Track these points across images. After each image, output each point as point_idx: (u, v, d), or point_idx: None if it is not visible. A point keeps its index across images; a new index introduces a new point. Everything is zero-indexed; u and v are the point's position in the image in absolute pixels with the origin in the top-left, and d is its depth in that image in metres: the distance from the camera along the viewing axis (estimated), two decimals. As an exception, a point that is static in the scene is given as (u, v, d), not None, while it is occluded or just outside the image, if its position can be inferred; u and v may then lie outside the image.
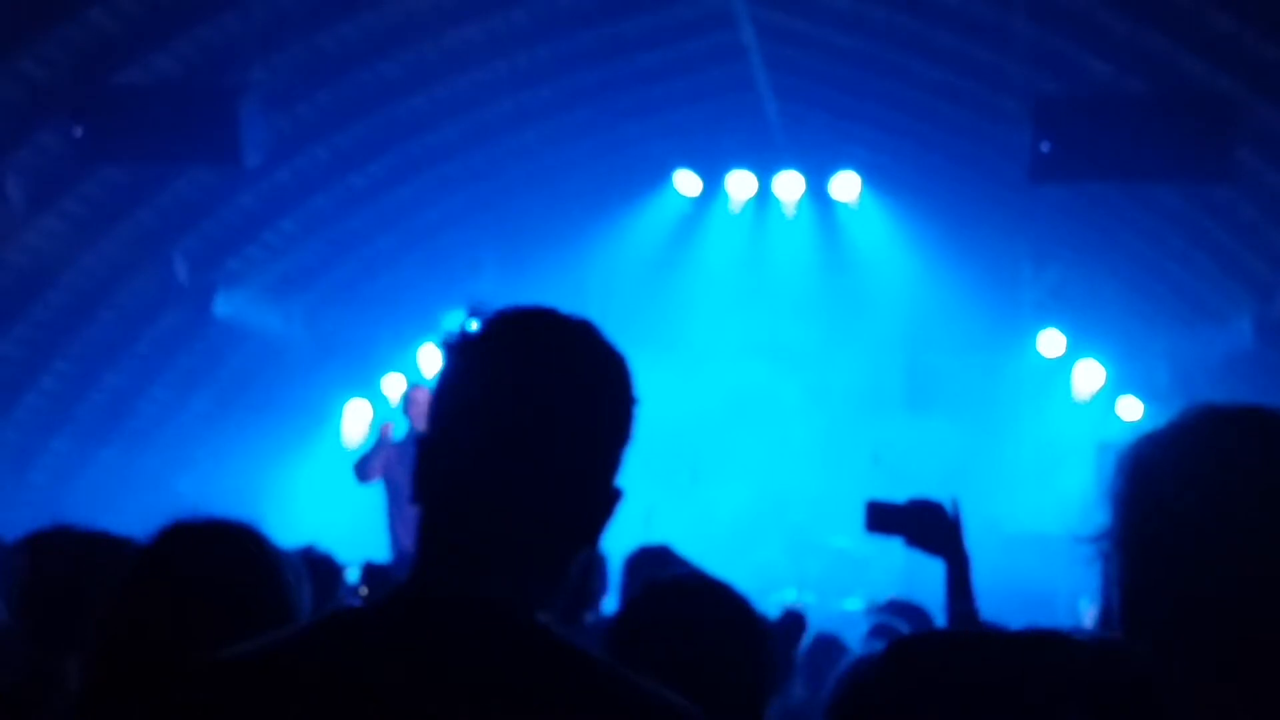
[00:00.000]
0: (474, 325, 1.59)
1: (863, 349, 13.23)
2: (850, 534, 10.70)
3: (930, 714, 1.38)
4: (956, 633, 2.33)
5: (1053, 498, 11.95)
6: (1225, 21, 8.57)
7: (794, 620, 4.31)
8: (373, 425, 13.19)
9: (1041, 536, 10.72)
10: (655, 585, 2.43)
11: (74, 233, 10.44)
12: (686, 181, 13.06)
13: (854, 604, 10.98)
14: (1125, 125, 8.80)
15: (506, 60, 10.92)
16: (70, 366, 11.43)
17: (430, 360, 13.43)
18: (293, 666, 1.41)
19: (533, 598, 1.46)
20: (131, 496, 10.27)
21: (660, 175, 13.06)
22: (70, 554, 2.60)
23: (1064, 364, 12.88)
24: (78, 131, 9.17)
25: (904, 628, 5.17)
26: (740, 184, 13.09)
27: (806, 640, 5.78)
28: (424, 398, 9.14)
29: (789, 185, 13.02)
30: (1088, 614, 8.33)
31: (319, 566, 3.61)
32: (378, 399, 13.68)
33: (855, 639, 6.37)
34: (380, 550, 8.39)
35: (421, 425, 8.93)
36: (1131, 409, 12.74)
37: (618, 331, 1.64)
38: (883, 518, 3.72)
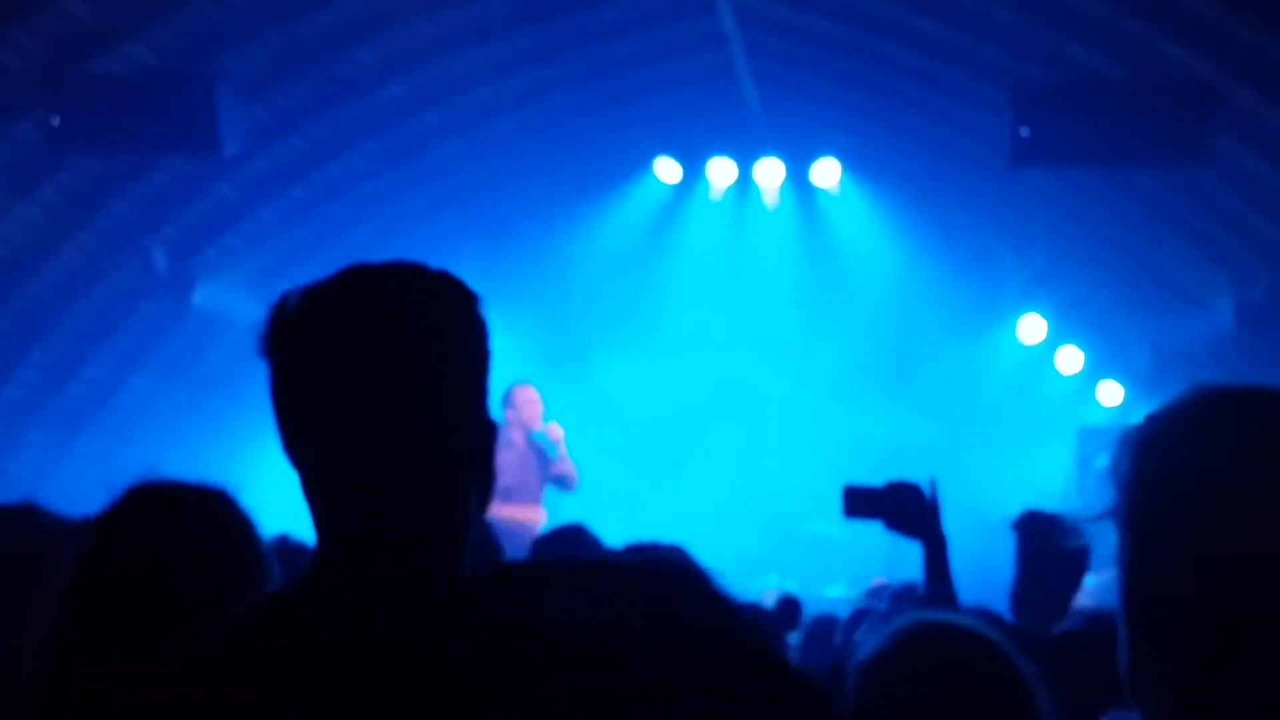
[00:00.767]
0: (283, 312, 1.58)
1: (845, 335, 13.24)
2: (832, 521, 10.70)
3: None
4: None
5: (1034, 482, 11.99)
6: (1205, 7, 8.58)
7: (790, 607, 4.32)
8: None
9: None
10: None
11: (51, 223, 10.38)
12: (667, 169, 13.04)
13: (836, 590, 11.01)
14: (1104, 110, 8.83)
15: (486, 49, 10.87)
16: (48, 358, 11.37)
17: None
18: (237, 665, 1.38)
19: (445, 551, 1.44)
20: (110, 488, 10.22)
21: (641, 163, 13.04)
22: (22, 532, 2.57)
23: (1045, 349, 12.92)
24: (54, 121, 9.12)
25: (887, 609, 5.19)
26: (721, 171, 13.08)
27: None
28: (530, 397, 9.04)
29: (770, 172, 13.02)
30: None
31: (292, 557, 3.59)
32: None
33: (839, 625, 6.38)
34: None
35: (529, 423, 8.92)
36: (1112, 393, 12.79)
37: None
38: (860, 502, 3.72)
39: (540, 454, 8.96)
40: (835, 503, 3.71)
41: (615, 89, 12.27)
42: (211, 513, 2.14)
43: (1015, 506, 5.16)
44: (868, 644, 2.22)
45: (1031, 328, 12.82)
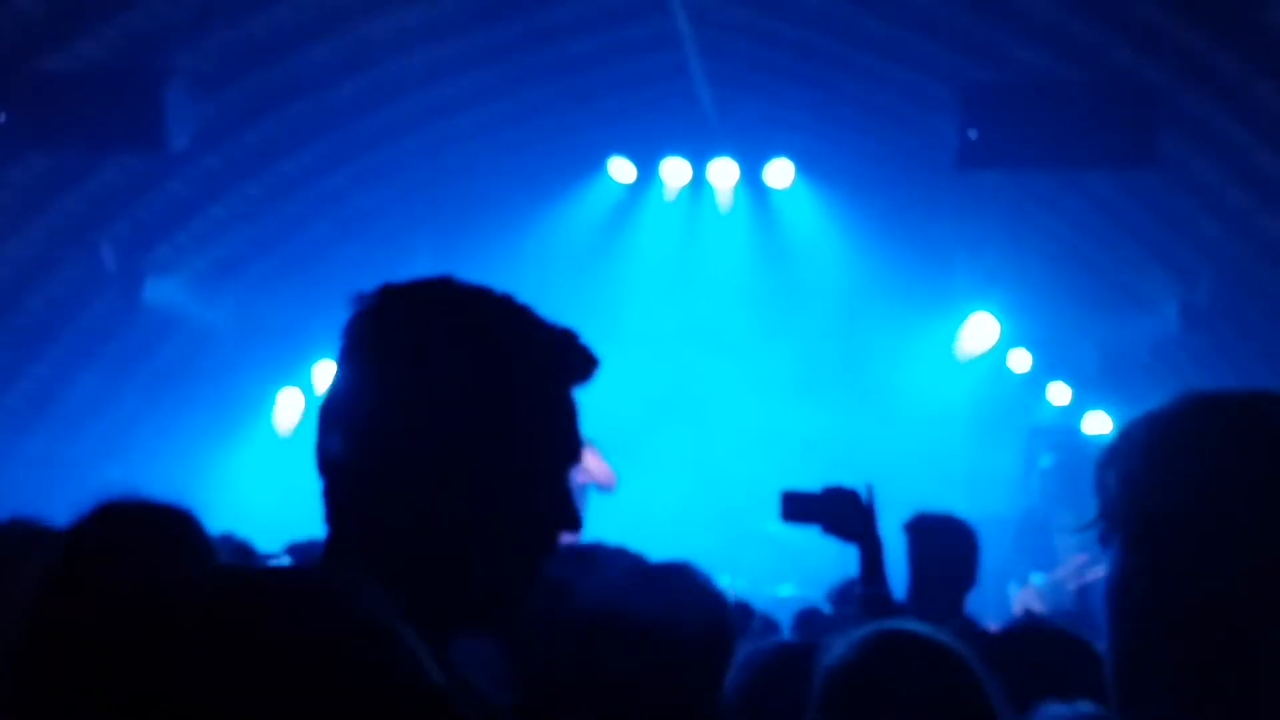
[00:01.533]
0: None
1: (797, 335, 13.29)
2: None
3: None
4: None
5: (984, 481, 12.10)
6: (1151, 11, 8.69)
7: (739, 611, 4.37)
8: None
9: (973, 520, 10.85)
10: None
11: (-1, 220, 10.27)
12: (621, 169, 13.05)
13: (787, 590, 11.06)
14: (1052, 112, 8.92)
15: (440, 46, 10.85)
16: (-5, 356, 11.26)
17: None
18: None
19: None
20: (60, 487, 10.14)
21: (595, 162, 13.04)
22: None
23: (995, 349, 13.03)
24: (2, 118, 9.02)
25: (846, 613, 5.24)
26: (675, 171, 13.11)
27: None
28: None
29: (723, 173, 13.06)
30: (1015, 597, 8.44)
31: (235, 557, 3.61)
32: (310, 388, 13.59)
33: (787, 624, 6.42)
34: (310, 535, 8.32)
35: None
36: (1061, 394, 12.92)
37: (553, 319, 1.62)
38: (798, 506, 3.76)
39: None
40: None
41: (569, 89, 12.27)
42: (178, 535, 2.15)
43: (963, 505, 5.22)
44: (834, 651, 2.25)
45: (982, 328, 12.92)
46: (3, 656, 1.99)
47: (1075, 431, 12.62)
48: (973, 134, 9.02)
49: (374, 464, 1.48)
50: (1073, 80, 9.40)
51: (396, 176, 12.70)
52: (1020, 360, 12.98)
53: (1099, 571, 6.24)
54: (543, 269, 13.23)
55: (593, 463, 9.35)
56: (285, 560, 4.58)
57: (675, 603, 2.22)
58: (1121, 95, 9.04)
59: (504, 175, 12.96)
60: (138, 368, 12.60)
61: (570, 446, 1.55)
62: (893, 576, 3.75)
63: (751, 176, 13.03)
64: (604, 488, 9.52)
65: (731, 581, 10.96)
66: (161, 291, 11.57)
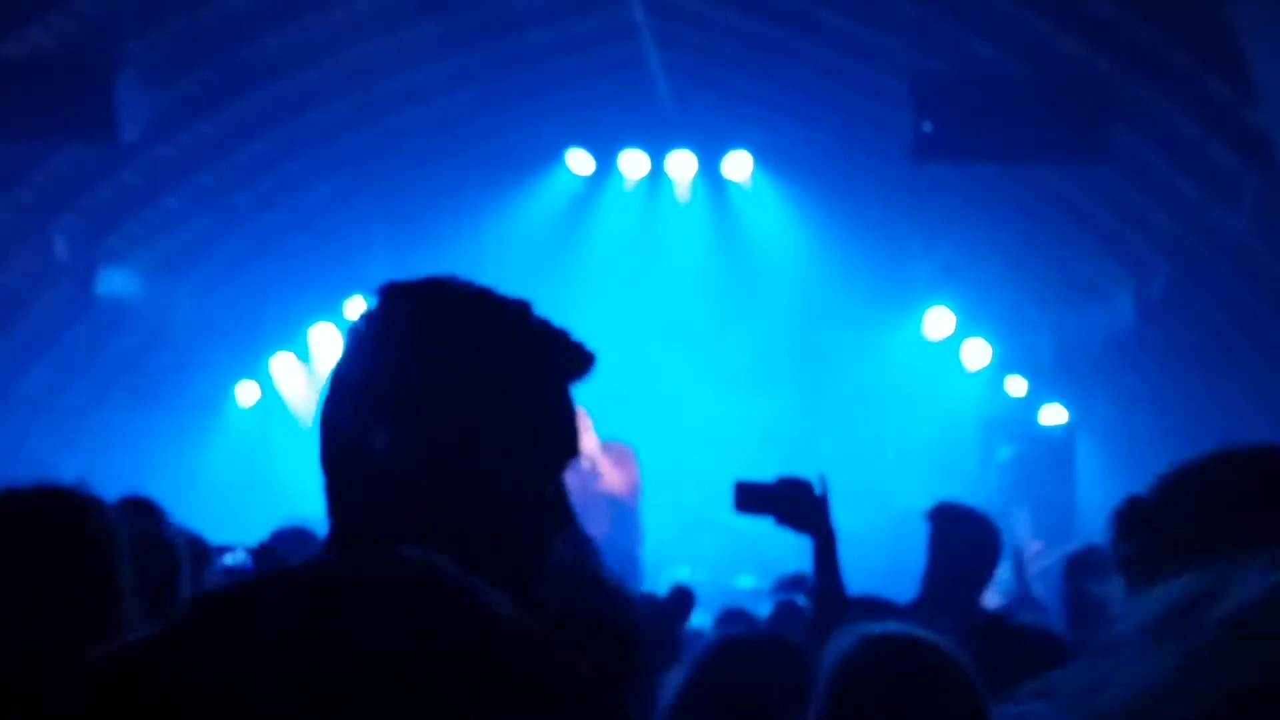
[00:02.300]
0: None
1: (755, 327, 13.31)
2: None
3: None
4: None
5: (941, 473, 12.16)
6: (1104, 5, 8.74)
7: (683, 597, 4.33)
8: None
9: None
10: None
11: (-53, 210, 10.13)
12: (579, 160, 13.02)
13: (746, 581, 11.08)
14: (1006, 106, 8.97)
15: (396, 37, 10.78)
16: (-55, 348, 11.11)
17: (321, 340, 13.26)
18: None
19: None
20: (10, 479, 10.00)
21: (553, 154, 13.00)
22: None
23: (952, 342, 13.09)
24: (-50, 106, 8.90)
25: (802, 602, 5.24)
26: (633, 163, 13.09)
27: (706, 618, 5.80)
28: (584, 421, 9.11)
29: (681, 165, 13.05)
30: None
31: (187, 549, 3.55)
32: (266, 380, 13.49)
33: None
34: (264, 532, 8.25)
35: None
36: (1017, 386, 13.00)
37: (551, 318, 1.64)
38: (751, 497, 3.75)
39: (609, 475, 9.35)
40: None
41: (527, 80, 12.23)
42: (68, 524, 2.12)
43: (921, 496, 5.23)
44: (834, 653, 2.27)
45: (939, 320, 12.98)
46: None
47: (1032, 423, 12.71)
48: (927, 127, 9.06)
49: (381, 456, 1.50)
50: (1027, 74, 9.45)
51: (353, 167, 12.62)
52: (977, 352, 13.04)
53: (1053, 558, 6.27)
54: (501, 260, 13.18)
55: (615, 474, 9.37)
56: (240, 554, 4.54)
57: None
58: (1075, 89, 9.09)
59: (461, 166, 12.90)
60: (90, 359, 12.48)
61: (567, 442, 1.58)
62: (865, 569, 3.76)
63: (709, 168, 13.03)
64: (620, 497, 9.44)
65: (690, 572, 10.97)
66: (114, 282, 11.45)
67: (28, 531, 2.12)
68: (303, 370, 13.41)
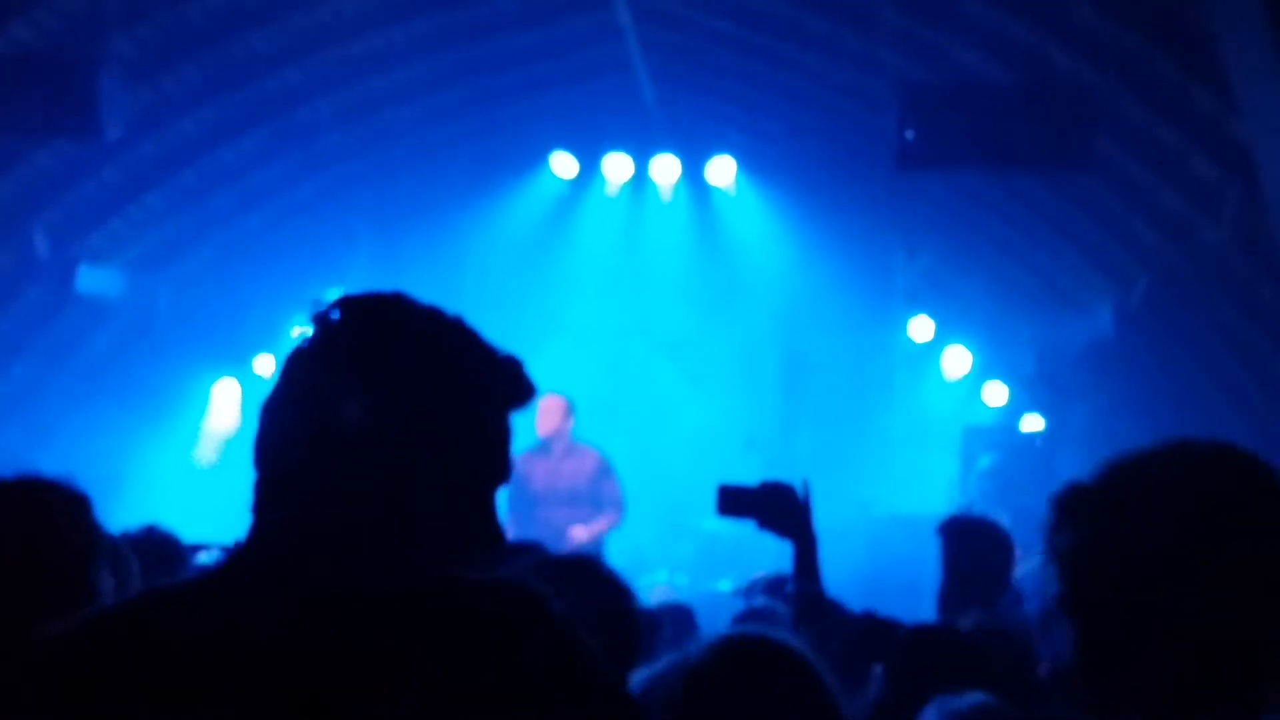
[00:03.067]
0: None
1: (738, 332, 13.32)
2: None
3: None
4: None
5: (922, 480, 12.18)
6: (1088, 14, 8.78)
7: (681, 618, 4.40)
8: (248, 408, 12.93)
9: (911, 518, 10.93)
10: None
11: (-73, 205, 10.08)
12: (563, 163, 13.02)
13: (726, 586, 11.08)
14: (990, 114, 8.98)
15: (381, 36, 10.78)
16: (-76, 344, 11.05)
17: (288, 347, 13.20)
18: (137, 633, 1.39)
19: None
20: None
21: (537, 156, 13.00)
22: None
23: (933, 349, 13.12)
24: (-69, 101, 8.85)
25: (779, 608, 5.24)
26: (617, 167, 13.09)
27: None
28: (546, 405, 9.18)
29: (665, 169, 13.06)
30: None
31: (160, 547, 3.57)
32: (247, 379, 13.44)
33: (728, 620, 6.42)
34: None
35: (547, 432, 9.23)
36: (997, 394, 13.03)
37: (493, 313, 1.65)
38: (734, 501, 3.77)
39: (575, 463, 9.44)
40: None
41: (512, 82, 12.22)
42: (47, 516, 2.12)
43: (902, 503, 5.25)
44: (690, 654, 2.28)
45: (921, 328, 13.01)
46: None
47: (1013, 431, 12.74)
48: (910, 134, 9.06)
49: (309, 466, 1.52)
50: (1010, 82, 9.48)
51: (336, 167, 12.60)
52: (958, 360, 13.08)
53: (1031, 565, 6.28)
54: (484, 262, 13.19)
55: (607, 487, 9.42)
56: (215, 553, 4.52)
57: (581, 594, 2.25)
58: (1059, 98, 9.12)
59: (446, 167, 12.89)
60: (70, 357, 12.42)
61: (500, 468, 1.61)
62: (846, 575, 3.77)
63: (693, 173, 13.04)
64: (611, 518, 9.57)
65: (670, 578, 10.97)
66: (95, 280, 11.40)
67: (4, 523, 2.11)
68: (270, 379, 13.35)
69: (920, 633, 3.34)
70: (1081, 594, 1.50)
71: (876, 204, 12.42)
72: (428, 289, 1.68)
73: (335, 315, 1.59)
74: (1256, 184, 7.94)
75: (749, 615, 5.72)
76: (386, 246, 12.71)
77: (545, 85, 12.44)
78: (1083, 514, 1.61)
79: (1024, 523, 11.89)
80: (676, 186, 13.25)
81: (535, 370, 1.71)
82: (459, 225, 13.11)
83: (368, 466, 1.50)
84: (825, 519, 3.82)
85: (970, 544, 4.61)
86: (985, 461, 12.56)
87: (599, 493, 9.45)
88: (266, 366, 13.40)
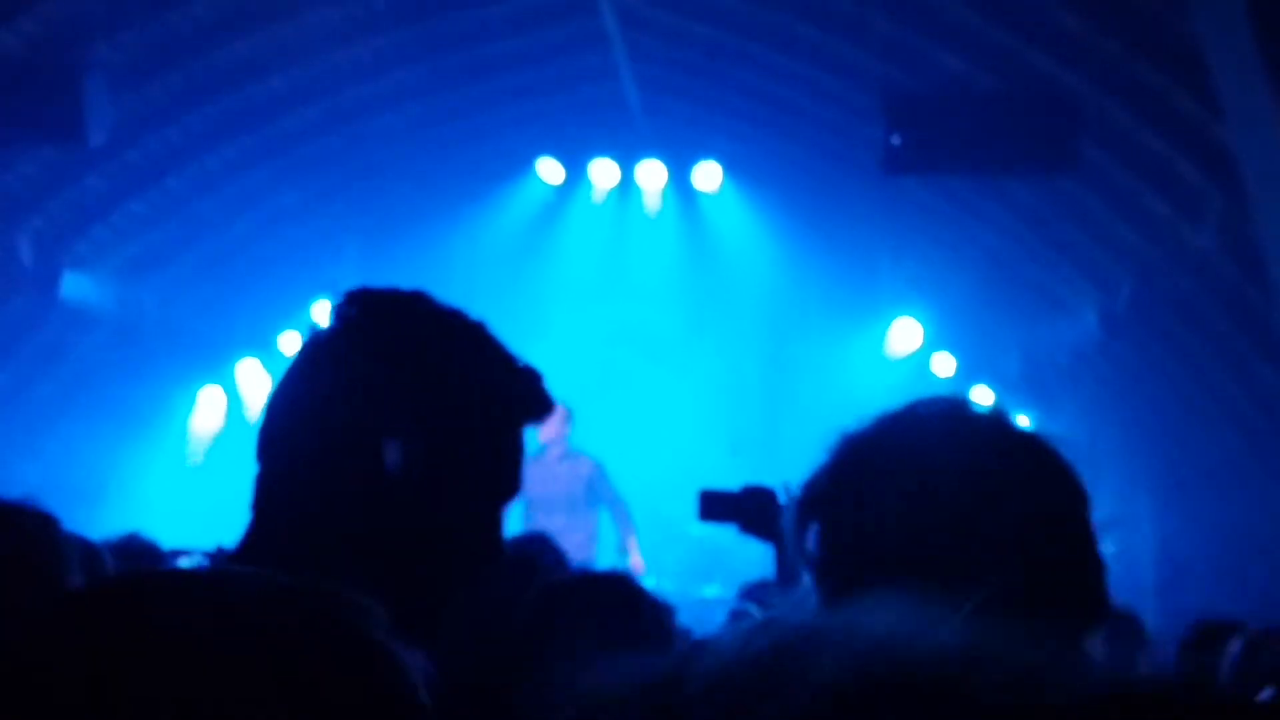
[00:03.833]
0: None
1: (724, 337, 13.33)
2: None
3: None
4: None
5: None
6: (1073, 20, 8.81)
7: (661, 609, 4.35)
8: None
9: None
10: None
11: (-90, 213, 10.03)
12: (549, 169, 13.02)
13: (713, 591, 11.08)
14: (975, 120, 9.01)
15: (366, 43, 10.76)
16: (-94, 352, 11.00)
17: (289, 347, 13.19)
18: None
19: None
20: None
21: (523, 162, 13.00)
22: None
23: (919, 354, 13.14)
24: (-86, 108, 8.82)
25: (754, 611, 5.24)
26: (603, 172, 13.10)
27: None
28: (555, 412, 9.26)
29: (651, 174, 13.07)
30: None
31: (140, 556, 3.56)
32: (232, 387, 13.41)
33: (714, 625, 6.42)
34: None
35: (547, 438, 9.44)
36: (983, 398, 13.05)
37: (480, 319, 1.62)
38: (716, 505, 3.77)
39: (570, 469, 9.67)
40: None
41: (497, 88, 12.22)
42: (13, 542, 2.12)
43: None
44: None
45: (906, 333, 13.03)
46: None
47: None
48: (896, 140, 9.09)
49: (309, 468, 1.48)
50: (996, 88, 9.50)
51: (322, 174, 12.57)
52: (944, 364, 13.10)
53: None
54: (471, 268, 13.17)
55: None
56: (197, 558, 4.51)
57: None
58: (1043, 103, 9.15)
59: (432, 174, 12.87)
60: (55, 364, 12.37)
61: (510, 483, 1.56)
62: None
63: (679, 179, 13.05)
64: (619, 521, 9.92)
65: (656, 582, 10.96)
66: (79, 287, 11.36)
67: None
68: (270, 378, 13.35)
69: None
70: (830, 590, 1.44)
71: (862, 209, 12.44)
72: (427, 290, 1.64)
73: (353, 311, 1.54)
74: (1241, 188, 7.96)
75: (735, 619, 5.73)
76: (373, 253, 12.69)
77: (531, 92, 12.44)
78: (823, 514, 1.50)
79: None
80: (663, 192, 13.26)
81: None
82: (446, 232, 13.10)
83: (372, 472, 1.45)
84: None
85: None
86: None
87: (595, 499, 9.54)
88: (254, 372, 13.37)
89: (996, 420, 1.49)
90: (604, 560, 10.84)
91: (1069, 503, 1.42)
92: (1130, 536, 11.90)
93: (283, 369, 1.56)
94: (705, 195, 13.18)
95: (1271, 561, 10.00)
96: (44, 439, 12.06)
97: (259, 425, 1.52)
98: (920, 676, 0.71)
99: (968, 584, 1.29)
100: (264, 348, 13.15)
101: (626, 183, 13.17)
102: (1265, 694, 3.02)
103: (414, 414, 1.48)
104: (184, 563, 4.44)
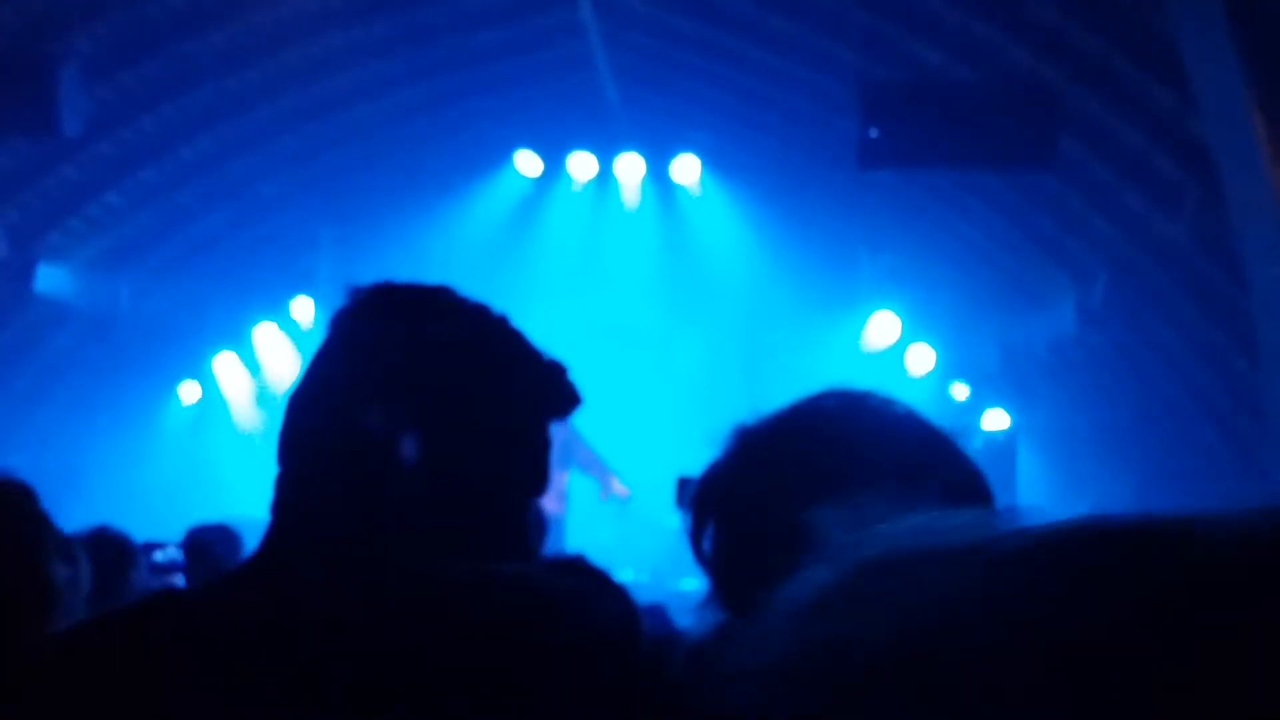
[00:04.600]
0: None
1: (702, 329, 13.33)
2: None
3: None
4: None
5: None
6: (1049, 13, 8.83)
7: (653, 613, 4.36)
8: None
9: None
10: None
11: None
12: (527, 162, 12.99)
13: (690, 584, 11.09)
14: (953, 113, 9.01)
15: (343, 34, 10.71)
16: (-122, 344, 10.91)
17: (265, 340, 13.14)
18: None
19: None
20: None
21: (501, 155, 12.97)
22: None
23: (897, 347, 13.16)
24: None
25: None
26: (581, 165, 13.08)
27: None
28: None
29: (630, 167, 13.06)
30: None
31: (109, 547, 3.55)
32: (208, 379, 13.36)
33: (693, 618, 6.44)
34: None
35: None
36: (961, 391, 13.09)
37: (545, 348, 1.60)
38: None
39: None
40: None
41: (475, 79, 12.19)
42: None
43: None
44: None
45: (884, 326, 13.04)
46: None
47: (975, 429, 12.80)
48: (873, 133, 9.09)
49: (338, 464, 1.45)
50: (974, 81, 9.52)
51: (298, 165, 12.52)
52: (922, 357, 13.12)
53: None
54: (448, 261, 13.14)
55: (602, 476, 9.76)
56: (171, 550, 4.49)
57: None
58: (1021, 97, 9.16)
59: (409, 165, 12.84)
60: (29, 356, 12.30)
61: (537, 481, 1.54)
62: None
63: (658, 171, 13.04)
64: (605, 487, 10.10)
65: (634, 575, 10.97)
66: (54, 279, 11.30)
67: None
68: (245, 370, 13.29)
69: None
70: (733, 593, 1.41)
71: (840, 202, 12.46)
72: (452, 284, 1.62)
73: (376, 305, 1.51)
74: (1216, 182, 8.00)
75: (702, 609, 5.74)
76: (350, 245, 12.65)
77: (509, 84, 12.41)
78: (722, 512, 1.43)
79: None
80: (641, 185, 13.25)
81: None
82: (423, 223, 13.07)
83: (395, 469, 1.42)
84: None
85: None
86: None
87: (566, 462, 9.68)
88: (229, 365, 13.31)
89: (902, 410, 1.45)
90: (575, 520, 11.05)
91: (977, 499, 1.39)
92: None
93: (304, 365, 1.53)
94: (683, 188, 13.17)
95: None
96: (18, 430, 12.00)
97: (280, 424, 1.49)
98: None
99: None
100: (239, 341, 13.11)
101: (605, 175, 13.16)
102: None
103: (438, 410, 1.45)
104: (157, 556, 4.42)
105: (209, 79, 10.73)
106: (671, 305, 13.46)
